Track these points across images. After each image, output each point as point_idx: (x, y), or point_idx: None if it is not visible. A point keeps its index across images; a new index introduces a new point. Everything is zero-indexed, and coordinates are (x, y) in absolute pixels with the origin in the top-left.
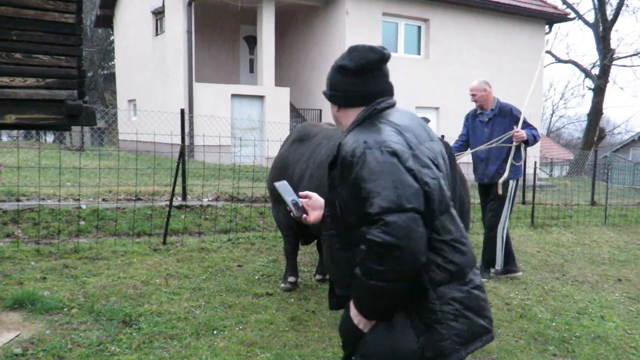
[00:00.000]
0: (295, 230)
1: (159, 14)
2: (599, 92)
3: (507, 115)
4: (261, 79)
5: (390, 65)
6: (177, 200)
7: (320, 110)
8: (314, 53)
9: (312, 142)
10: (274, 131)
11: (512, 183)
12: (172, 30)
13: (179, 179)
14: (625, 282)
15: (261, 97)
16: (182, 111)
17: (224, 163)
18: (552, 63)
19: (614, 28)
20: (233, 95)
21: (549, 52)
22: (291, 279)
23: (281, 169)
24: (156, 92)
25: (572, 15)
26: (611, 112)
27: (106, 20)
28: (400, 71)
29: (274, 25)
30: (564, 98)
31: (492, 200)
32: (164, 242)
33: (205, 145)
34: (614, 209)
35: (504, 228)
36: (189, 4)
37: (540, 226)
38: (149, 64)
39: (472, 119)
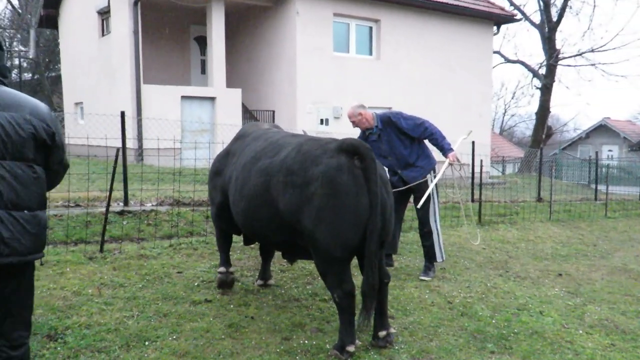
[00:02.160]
0: (227, 225)
1: (104, 14)
2: (545, 91)
3: (390, 125)
4: (212, 80)
5: (342, 65)
6: (119, 206)
7: (273, 112)
8: (266, 54)
9: (244, 143)
10: (226, 133)
11: (429, 177)
12: (118, 30)
13: (120, 184)
14: (565, 276)
15: (212, 99)
16: (122, 113)
17: (174, 166)
18: (501, 63)
19: (558, 29)
20: (183, 97)
21: (498, 52)
22: (221, 269)
23: (217, 169)
24: (103, 95)
25: (519, 16)
26: (561, 110)
27: (51, 21)
28: (352, 71)
29: (224, 26)
30: (515, 97)
31: (418, 197)
32: (101, 250)
33: (153, 149)
34: (559, 204)
35: (436, 221)
36: (135, 4)
37: (488, 223)
38: (95, 65)
39: (365, 141)
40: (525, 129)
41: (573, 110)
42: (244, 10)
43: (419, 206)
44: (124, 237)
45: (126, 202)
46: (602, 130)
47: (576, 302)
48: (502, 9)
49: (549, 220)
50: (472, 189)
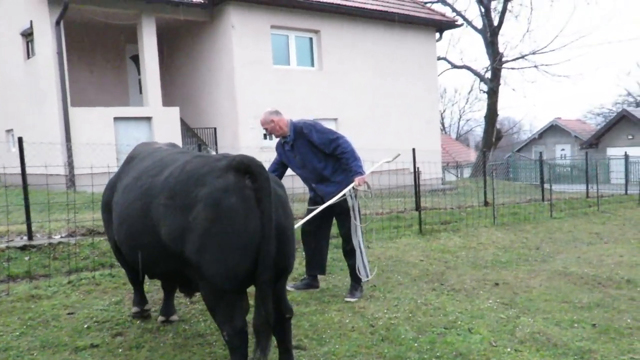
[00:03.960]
0: (124, 259)
1: (28, 35)
2: (492, 94)
3: (302, 136)
4: (147, 100)
5: (284, 78)
6: (22, 240)
7: (215, 129)
8: (204, 70)
9: (130, 165)
10: None
11: (348, 192)
12: (43, 52)
13: (14, 217)
14: (502, 285)
15: (148, 119)
16: (20, 139)
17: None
18: (448, 69)
19: (500, 33)
20: (116, 119)
21: (444, 58)
22: (134, 309)
23: (107, 199)
24: (33, 120)
25: (460, 22)
26: (514, 112)
27: None
28: (294, 83)
29: (159, 43)
30: (468, 102)
31: (339, 214)
32: None
33: (87, 175)
34: (505, 207)
35: (358, 237)
36: (57, 24)
37: (429, 232)
38: (23, 90)
39: (282, 149)
40: (482, 132)
41: (526, 113)
42: (178, 27)
43: (351, 211)
44: (24, 275)
45: (30, 236)
46: (555, 130)
47: (509, 315)
48: (443, 15)
49: (493, 225)
50: (417, 198)
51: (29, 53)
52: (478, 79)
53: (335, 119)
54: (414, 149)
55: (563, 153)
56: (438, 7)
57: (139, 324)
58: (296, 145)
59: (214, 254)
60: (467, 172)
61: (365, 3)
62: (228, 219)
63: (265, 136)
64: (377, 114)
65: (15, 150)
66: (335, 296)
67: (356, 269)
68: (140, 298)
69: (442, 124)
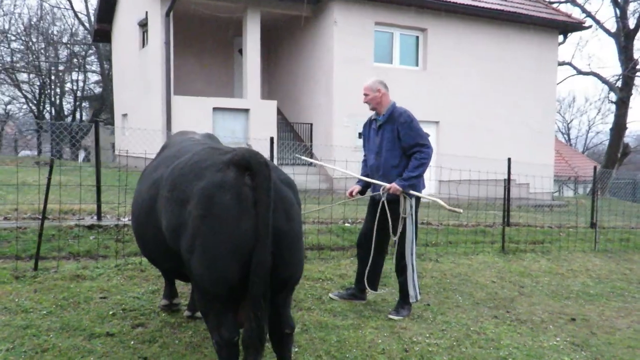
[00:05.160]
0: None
1: (144, 26)
2: (621, 105)
3: (393, 123)
4: (246, 92)
5: (385, 77)
6: (91, 219)
7: (311, 125)
8: (304, 65)
9: (160, 154)
10: (259, 147)
11: (407, 202)
12: (153, 42)
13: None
14: (580, 322)
15: (246, 111)
16: (97, 123)
17: None
18: (573, 75)
19: (636, 37)
20: (215, 109)
21: (568, 63)
22: (163, 302)
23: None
24: (142, 106)
25: (588, 23)
26: None
27: (105, 35)
28: (395, 83)
29: (264, 37)
30: (600, 112)
31: (394, 222)
32: (35, 268)
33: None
34: (616, 232)
35: (412, 254)
36: (167, 15)
37: (512, 252)
38: (136, 77)
39: (367, 128)
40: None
41: None
42: (282, 21)
43: (409, 222)
44: (84, 253)
45: (99, 216)
46: None
47: (575, 359)
48: (569, 15)
49: (592, 251)
50: (505, 212)
51: (144, 42)
52: (603, 88)
53: (437, 122)
54: (509, 159)
55: None
56: (564, 7)
57: (164, 316)
58: (384, 128)
59: (202, 254)
60: (589, 189)
61: (480, 1)
62: (219, 217)
63: (360, 135)
64: (483, 120)
65: (127, 134)
66: (379, 311)
67: (407, 286)
68: (170, 291)
69: (568, 135)
